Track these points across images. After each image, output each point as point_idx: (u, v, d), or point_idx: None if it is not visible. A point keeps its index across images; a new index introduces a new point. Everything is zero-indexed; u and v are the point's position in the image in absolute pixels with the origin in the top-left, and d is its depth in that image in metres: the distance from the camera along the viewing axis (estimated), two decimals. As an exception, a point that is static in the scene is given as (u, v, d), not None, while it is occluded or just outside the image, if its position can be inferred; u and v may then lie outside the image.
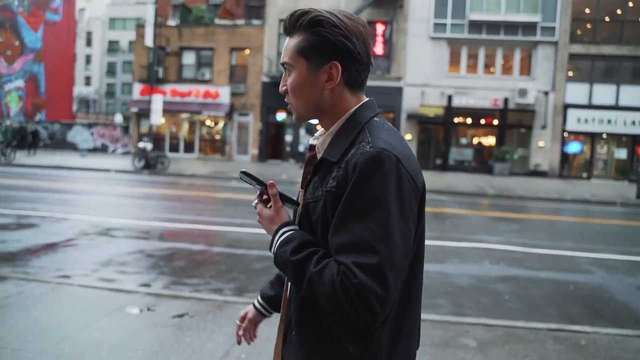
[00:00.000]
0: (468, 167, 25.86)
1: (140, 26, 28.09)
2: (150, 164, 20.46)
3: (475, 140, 26.58)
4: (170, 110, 26.98)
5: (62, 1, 45.41)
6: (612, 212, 14.99)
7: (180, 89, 26.44)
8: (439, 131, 26.52)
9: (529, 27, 24.79)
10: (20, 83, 41.30)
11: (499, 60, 25.55)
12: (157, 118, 21.50)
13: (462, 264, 7.43)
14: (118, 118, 49.33)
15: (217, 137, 27.98)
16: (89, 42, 61.25)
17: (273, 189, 1.32)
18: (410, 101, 25.60)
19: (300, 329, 1.31)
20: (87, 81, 61.50)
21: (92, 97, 60.32)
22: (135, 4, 66.00)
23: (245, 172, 1.35)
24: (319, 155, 1.32)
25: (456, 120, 25.89)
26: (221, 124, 27.66)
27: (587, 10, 24.97)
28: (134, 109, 27.36)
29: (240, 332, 1.65)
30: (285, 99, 1.35)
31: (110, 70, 63.77)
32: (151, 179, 18.27)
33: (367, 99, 1.35)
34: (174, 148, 27.31)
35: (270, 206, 1.33)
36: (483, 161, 26.06)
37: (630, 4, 24.64)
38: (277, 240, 1.27)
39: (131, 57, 62.62)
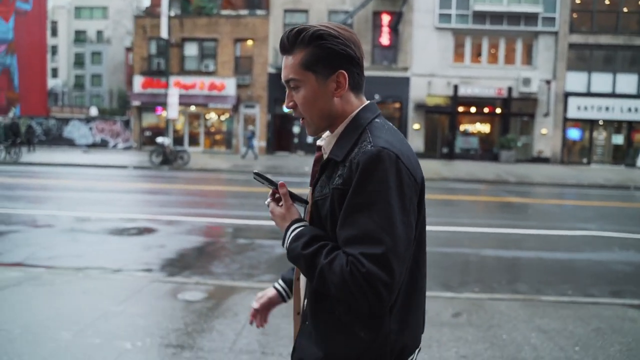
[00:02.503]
0: (474, 155, 26.46)
1: (139, 17, 27.21)
2: (169, 159, 20.02)
3: (480, 129, 27.19)
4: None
5: (32, -11, 43.34)
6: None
7: (183, 81, 25.83)
8: (445, 120, 26.98)
9: (531, 18, 25.46)
10: (-7, 76, 39.33)
11: (501, 50, 26.16)
12: (174, 112, 21.00)
13: (596, 252, 7.75)
14: (93, 111, 47.74)
15: (223, 129, 27.54)
16: (54, 32, 58.62)
17: (283, 188, 1.43)
18: (417, 91, 25.91)
19: (314, 318, 1.40)
20: (54, 73, 58.96)
21: (61, 90, 57.95)
22: (102, -8, 63.69)
23: (257, 173, 1.46)
24: (325, 156, 1.43)
25: (461, 109, 26.40)
26: (226, 117, 27.23)
27: (586, 2, 25.84)
28: (136, 103, 26.58)
29: (256, 308, 1.73)
30: (294, 114, 1.44)
31: (78, 61, 61.37)
32: (177, 174, 17.88)
33: (369, 101, 1.45)
34: (179, 141, 26.71)
35: (282, 205, 1.44)
36: (488, 149, 26.71)
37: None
38: (289, 235, 1.38)
39: (100, 48, 60.64)
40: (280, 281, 1.74)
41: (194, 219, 9.29)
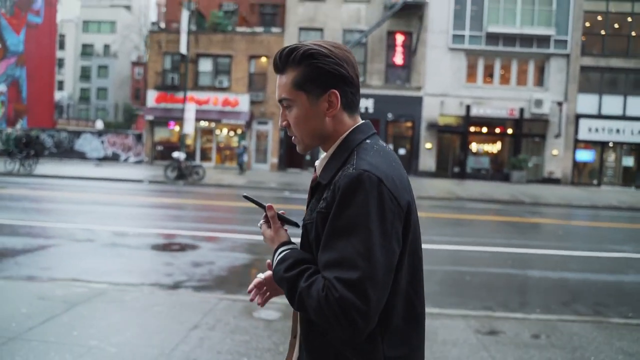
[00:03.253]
0: (485, 175, 26.54)
1: (153, 32, 27.42)
2: (184, 174, 20.02)
3: (491, 149, 27.32)
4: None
5: (43, 3, 43.68)
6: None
7: (197, 96, 25.93)
8: (456, 140, 27.12)
9: (543, 40, 25.75)
10: (2, 88, 39.38)
11: (513, 71, 26.40)
12: (190, 127, 21.07)
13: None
14: (99, 124, 47.70)
15: (233, 145, 27.59)
16: (61, 45, 58.86)
17: (271, 211, 1.44)
18: (430, 110, 26.08)
19: (306, 342, 1.38)
20: (60, 85, 59.07)
21: (66, 102, 58.07)
22: (110, 7, 64.25)
23: (246, 195, 1.51)
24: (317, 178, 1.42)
25: (473, 129, 26.55)
26: (237, 133, 27.29)
27: (597, 25, 26.16)
28: (149, 117, 26.63)
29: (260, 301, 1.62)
30: (288, 133, 1.44)
31: (84, 74, 61.59)
32: (193, 189, 17.82)
33: (363, 121, 1.43)
34: (190, 157, 26.69)
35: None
36: (498, 169, 26.82)
37: (630, 19, 25.99)
38: (275, 258, 1.38)
39: (106, 62, 60.93)
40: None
41: (231, 235, 9.28)
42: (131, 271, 6.76)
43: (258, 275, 1.59)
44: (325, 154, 1.42)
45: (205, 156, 27.49)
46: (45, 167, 22.80)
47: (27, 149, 21.28)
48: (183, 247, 8.22)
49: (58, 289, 5.32)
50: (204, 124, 26.62)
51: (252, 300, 1.57)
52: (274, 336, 4.30)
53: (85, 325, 4.33)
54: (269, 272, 1.55)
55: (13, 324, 4.26)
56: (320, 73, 1.34)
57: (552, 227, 12.92)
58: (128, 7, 65.23)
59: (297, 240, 1.42)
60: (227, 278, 6.64)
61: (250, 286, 1.57)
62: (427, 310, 4.76)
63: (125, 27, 58.50)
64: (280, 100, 1.40)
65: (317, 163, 1.44)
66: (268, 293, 1.59)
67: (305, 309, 1.26)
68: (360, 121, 1.42)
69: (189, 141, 27.40)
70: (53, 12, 45.39)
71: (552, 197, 19.76)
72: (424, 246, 1.44)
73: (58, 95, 59.57)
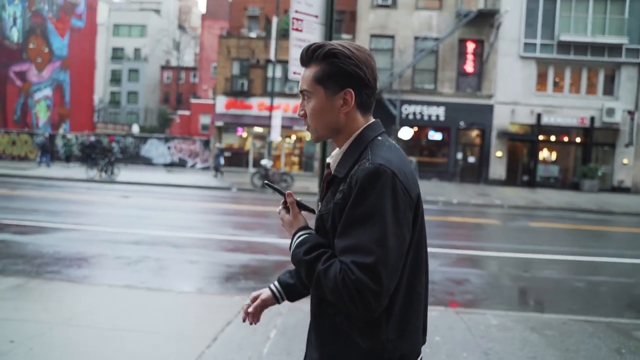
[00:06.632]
0: (554, 184, 26.48)
1: (223, 37, 27.37)
2: (272, 181, 19.93)
3: (560, 157, 27.26)
4: (258, 124, 26.45)
5: (85, 6, 43.69)
6: None
7: (267, 102, 25.87)
8: (525, 148, 27.06)
9: (614, 49, 25.72)
10: (48, 92, 39.38)
11: (584, 80, 26.37)
12: (277, 134, 20.99)
13: None
14: (135, 129, 47.75)
15: (296, 152, 27.54)
16: (92, 49, 58.91)
17: (290, 197, 1.54)
18: (501, 119, 26.03)
19: (316, 324, 1.47)
20: (91, 89, 59.13)
21: (97, 106, 58.05)
22: (139, 11, 64.32)
23: (267, 182, 1.65)
24: (332, 172, 1.50)
25: (541, 137, 26.50)
26: (304, 140, 27.26)
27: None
28: (219, 123, 26.57)
29: (250, 310, 1.74)
30: (304, 122, 1.53)
31: (115, 78, 61.59)
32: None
33: (374, 120, 1.52)
34: (257, 164, 26.68)
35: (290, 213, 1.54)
36: (568, 178, 26.75)
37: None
38: (295, 241, 1.47)
39: (137, 65, 60.97)
40: (276, 283, 1.75)
41: (445, 250, 9.15)
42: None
43: (246, 304, 1.75)
44: (338, 149, 1.52)
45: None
46: (121, 174, 22.73)
47: (109, 156, 21.21)
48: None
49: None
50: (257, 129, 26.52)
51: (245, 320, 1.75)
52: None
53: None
54: (256, 303, 1.72)
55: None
56: (339, 72, 1.43)
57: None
58: (157, 11, 65.32)
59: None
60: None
61: (251, 309, 1.73)
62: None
63: (158, 31, 58.55)
64: (301, 91, 1.50)
65: (329, 160, 1.54)
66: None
67: (322, 289, 1.35)
68: (372, 120, 1.51)
69: (247, 146, 27.40)
70: (93, 16, 45.42)
71: (634, 206, 19.68)
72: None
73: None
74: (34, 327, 4.17)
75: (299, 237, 1.47)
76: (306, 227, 1.50)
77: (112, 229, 9.54)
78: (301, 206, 1.56)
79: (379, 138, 1.46)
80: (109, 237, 8.77)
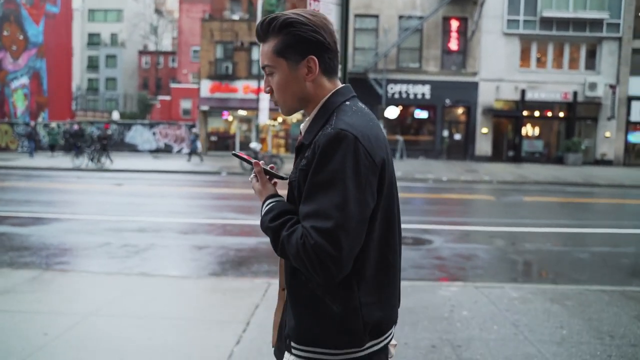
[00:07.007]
0: (539, 158, 26.86)
1: (205, 20, 26.93)
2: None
3: (544, 132, 27.61)
4: (243, 108, 26.23)
5: (59, -8, 42.46)
6: None
7: (253, 85, 25.66)
8: (510, 124, 27.34)
9: (595, 24, 25.98)
10: (25, 80, 38.43)
11: (566, 55, 26.63)
12: (265, 117, 20.87)
13: None
14: (115, 115, 46.91)
15: (283, 134, 27.43)
16: (67, 35, 57.43)
17: (257, 167, 1.55)
18: (486, 95, 26.22)
19: (290, 291, 1.48)
20: (67, 76, 57.76)
21: (75, 94, 56.81)
22: (114, -5, 62.74)
23: (235, 153, 1.66)
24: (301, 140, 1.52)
25: (526, 113, 26.78)
26: (293, 122, 27.13)
27: (649, 8, 26.46)
28: (204, 107, 26.29)
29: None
30: (271, 98, 1.55)
31: (92, 64, 60.29)
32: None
33: (342, 84, 1.51)
34: (245, 147, 26.52)
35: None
36: (552, 152, 27.14)
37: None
38: (263, 209, 1.50)
39: (114, 51, 59.74)
40: None
41: (448, 227, 9.25)
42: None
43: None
44: (308, 117, 1.50)
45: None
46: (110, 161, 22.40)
47: (104, 143, 20.87)
48: (417, 242, 8.11)
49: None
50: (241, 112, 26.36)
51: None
52: None
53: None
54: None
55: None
56: (298, 40, 1.41)
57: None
58: None
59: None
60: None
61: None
62: None
63: (134, 16, 57.33)
64: (263, 67, 1.48)
65: (301, 126, 1.52)
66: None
67: (287, 255, 1.37)
68: (340, 85, 1.50)
69: (233, 130, 27.20)
70: (68, 1, 44.18)
71: (625, 180, 20.03)
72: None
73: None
74: (65, 319, 4.14)
75: (267, 205, 1.47)
76: (274, 195, 1.50)
77: (112, 218, 9.45)
78: (271, 174, 1.55)
79: (347, 103, 1.45)
80: (111, 226, 8.68)
